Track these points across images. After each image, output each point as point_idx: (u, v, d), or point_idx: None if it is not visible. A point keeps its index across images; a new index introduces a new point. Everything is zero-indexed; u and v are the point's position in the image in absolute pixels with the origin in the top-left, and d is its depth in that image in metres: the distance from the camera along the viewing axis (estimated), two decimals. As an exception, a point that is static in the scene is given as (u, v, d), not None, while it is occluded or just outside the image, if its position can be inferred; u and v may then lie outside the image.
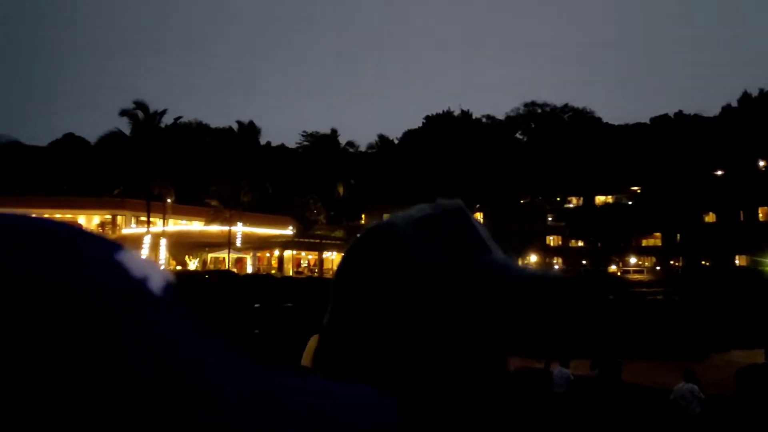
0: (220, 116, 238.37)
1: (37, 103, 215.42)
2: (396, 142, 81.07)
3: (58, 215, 59.82)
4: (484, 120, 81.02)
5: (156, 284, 0.43)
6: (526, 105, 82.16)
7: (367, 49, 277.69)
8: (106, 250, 0.41)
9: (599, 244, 67.78)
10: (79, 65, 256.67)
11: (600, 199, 73.64)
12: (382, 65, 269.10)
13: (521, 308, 0.64)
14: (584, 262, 66.54)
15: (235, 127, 64.99)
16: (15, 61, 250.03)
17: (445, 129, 74.04)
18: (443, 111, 79.81)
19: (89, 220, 60.23)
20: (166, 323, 0.42)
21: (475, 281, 0.63)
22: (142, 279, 0.43)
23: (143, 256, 0.38)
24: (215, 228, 51.59)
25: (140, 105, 53.62)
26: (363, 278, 0.66)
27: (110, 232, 57.71)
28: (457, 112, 79.18)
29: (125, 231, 55.92)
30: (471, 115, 79.31)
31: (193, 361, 0.40)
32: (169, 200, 52.41)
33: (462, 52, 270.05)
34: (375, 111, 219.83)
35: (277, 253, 53.30)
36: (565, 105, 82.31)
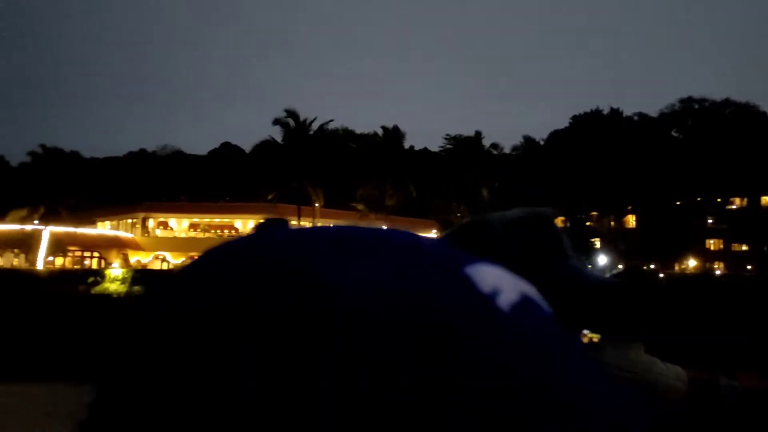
0: (365, 121, 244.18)
1: (196, 114, 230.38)
2: (542, 143, 79.37)
3: (217, 220, 63.56)
4: (635, 118, 77.62)
5: (506, 299, 0.39)
6: (681, 101, 77.90)
7: (510, 50, 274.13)
8: (456, 262, 0.40)
9: (766, 248, 62.90)
10: (236, 77, 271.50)
11: (766, 199, 68.67)
12: (524, 65, 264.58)
13: (591, 312, 0.67)
14: (749, 267, 62.02)
15: (380, 132, 66.21)
16: (178, 76, 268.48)
17: (593, 128, 71.60)
18: (591, 110, 77.21)
19: (245, 225, 63.49)
20: (512, 344, 0.36)
21: (552, 283, 0.66)
22: (490, 294, 0.38)
23: (493, 268, 0.39)
24: (362, 231, 52.73)
25: (291, 113, 55.98)
26: None
27: (263, 235, 60.50)
28: (606, 111, 76.38)
29: (277, 234, 58.47)
30: (621, 113, 76.20)
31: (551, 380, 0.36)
32: (318, 204, 54.24)
33: (608, 49, 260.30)
34: (519, 112, 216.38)
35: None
36: (726, 100, 77.19)
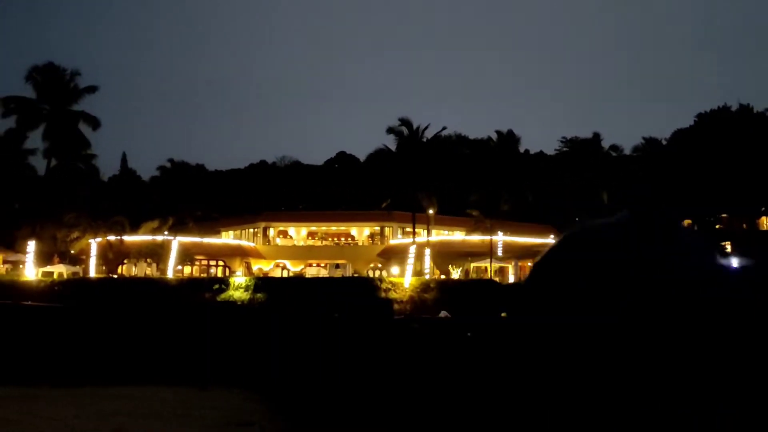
0: (479, 126, 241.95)
1: (313, 124, 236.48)
2: (664, 143, 76.00)
3: (334, 228, 64.82)
4: (767, 114, 72.91)
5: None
6: (820, 93, 72.44)
7: (629, 46, 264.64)
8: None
9: None
10: (350, 87, 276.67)
11: None
12: (645, 62, 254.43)
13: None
14: None
15: (494, 136, 65.51)
16: (295, 90, 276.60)
17: (721, 126, 67.79)
18: (718, 107, 73.22)
19: (360, 233, 64.40)
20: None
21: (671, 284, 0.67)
22: None
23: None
24: (476, 238, 52.24)
25: (405, 122, 56.32)
26: (559, 276, 0.70)
27: (379, 242, 61.19)
28: (734, 107, 72.20)
29: (392, 242, 58.87)
30: (752, 108, 71.75)
31: None
32: (431, 211, 54.21)
33: (734, 42, 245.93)
34: (640, 112, 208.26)
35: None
36: None
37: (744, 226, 61.00)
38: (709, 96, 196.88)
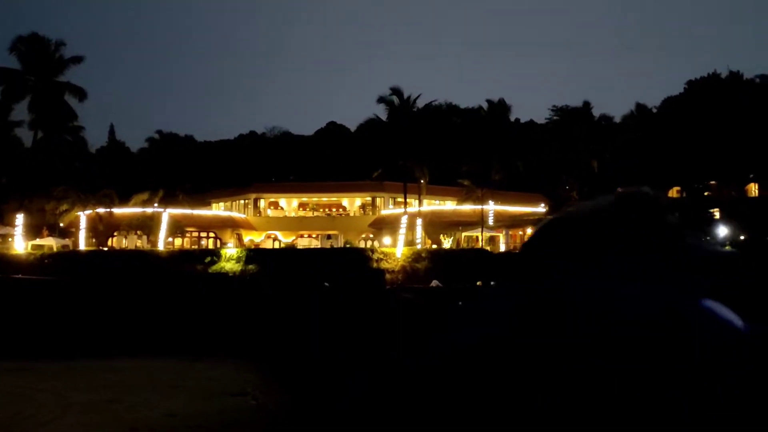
0: (470, 96, 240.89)
1: (302, 95, 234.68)
2: (655, 111, 75.94)
3: (325, 199, 64.73)
4: (757, 80, 72.81)
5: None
6: (810, 60, 72.42)
7: (617, 14, 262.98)
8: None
9: None
10: (339, 56, 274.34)
11: None
12: (634, 29, 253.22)
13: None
14: None
15: (484, 106, 65.22)
16: (283, 60, 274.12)
17: (711, 93, 67.76)
18: (708, 74, 73.08)
19: (351, 203, 64.37)
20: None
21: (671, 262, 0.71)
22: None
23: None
24: (468, 207, 52.34)
25: (396, 91, 56.02)
26: (543, 255, 0.77)
27: (371, 213, 61.21)
28: (724, 74, 72.09)
29: (384, 212, 58.91)
30: (741, 76, 71.67)
31: None
32: (423, 181, 54.18)
33: (724, 8, 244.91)
34: (630, 79, 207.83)
35: (529, 231, 52.73)
36: None
37: (733, 193, 61.30)
38: (700, 62, 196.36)
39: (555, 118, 74.33)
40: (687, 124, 65.06)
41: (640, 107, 76.23)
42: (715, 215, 56.97)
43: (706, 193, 59.86)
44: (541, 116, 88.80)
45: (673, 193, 64.48)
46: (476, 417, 0.62)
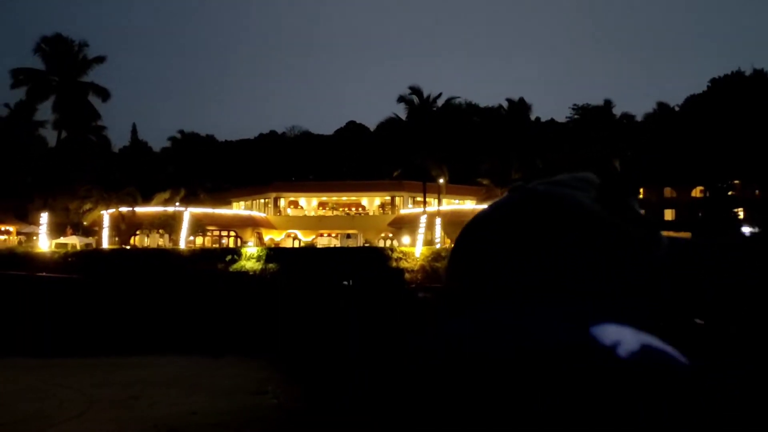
0: (490, 95, 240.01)
1: (323, 95, 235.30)
2: (677, 109, 75.28)
3: (344, 198, 64.86)
4: (782, 78, 71.93)
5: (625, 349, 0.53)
6: (836, 57, 71.37)
7: (640, 12, 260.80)
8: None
9: None
10: (359, 60, 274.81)
11: None
12: (658, 27, 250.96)
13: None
14: None
15: (504, 104, 65.02)
16: (304, 60, 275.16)
17: (735, 91, 67.00)
18: (732, 72, 72.31)
19: (371, 202, 64.44)
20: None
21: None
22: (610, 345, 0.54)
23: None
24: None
25: (415, 90, 56.01)
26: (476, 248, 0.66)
27: (390, 212, 61.23)
28: (748, 72, 71.30)
29: (403, 211, 58.91)
30: (766, 74, 70.82)
31: None
32: (442, 180, 54.09)
33: (748, 5, 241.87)
34: (652, 78, 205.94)
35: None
36: None
37: (756, 192, 60.56)
38: (723, 61, 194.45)
39: (576, 116, 73.95)
40: (710, 122, 64.39)
41: (663, 106, 75.60)
42: (739, 215, 56.33)
43: (730, 193, 59.16)
44: (561, 115, 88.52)
45: (697, 192, 63.84)
46: (476, 417, 0.55)
